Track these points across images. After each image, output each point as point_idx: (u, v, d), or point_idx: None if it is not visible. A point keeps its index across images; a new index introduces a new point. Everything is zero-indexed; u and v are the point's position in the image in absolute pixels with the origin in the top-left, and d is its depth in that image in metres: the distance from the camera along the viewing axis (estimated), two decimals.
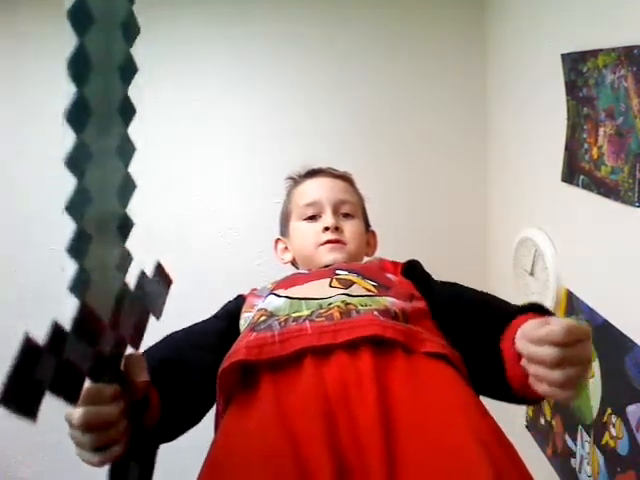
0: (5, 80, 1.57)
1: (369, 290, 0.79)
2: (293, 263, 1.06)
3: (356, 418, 0.59)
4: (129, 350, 0.57)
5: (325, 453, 0.55)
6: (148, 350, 0.72)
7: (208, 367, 0.73)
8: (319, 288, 0.80)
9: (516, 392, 0.66)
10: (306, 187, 1.05)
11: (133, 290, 0.56)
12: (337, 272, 0.85)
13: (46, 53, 1.49)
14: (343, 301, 0.74)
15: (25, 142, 1.58)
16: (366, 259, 1.04)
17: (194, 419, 0.77)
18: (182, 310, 1.55)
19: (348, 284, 0.80)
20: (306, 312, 0.74)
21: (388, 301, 0.76)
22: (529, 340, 0.59)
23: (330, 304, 0.74)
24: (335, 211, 0.99)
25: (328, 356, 0.66)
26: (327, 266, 0.93)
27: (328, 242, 0.96)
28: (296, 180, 1.09)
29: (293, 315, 0.74)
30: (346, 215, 1.01)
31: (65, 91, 0.43)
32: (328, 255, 0.95)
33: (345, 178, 1.08)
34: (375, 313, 0.71)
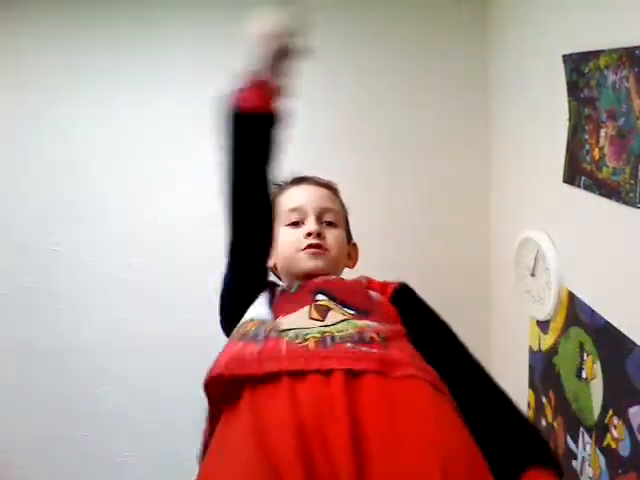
0: (4, 80, 1.58)
1: (344, 315, 0.81)
2: (274, 270, 1.05)
3: (329, 445, 0.60)
4: None
5: None
6: None
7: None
8: (299, 320, 0.81)
9: None
10: (291, 193, 1.06)
11: None
12: (317, 298, 0.86)
13: (45, 53, 1.51)
14: (319, 332, 0.76)
15: (25, 142, 1.58)
16: (353, 277, 1.03)
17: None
18: (184, 307, 1.57)
19: (325, 314, 0.81)
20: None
21: (365, 324, 0.77)
22: None
23: (307, 334, 0.75)
24: (318, 218, 1.00)
25: (303, 378, 0.68)
26: (308, 275, 0.94)
27: (309, 247, 0.96)
28: (281, 187, 1.09)
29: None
30: (329, 223, 1.02)
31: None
32: (309, 261, 0.96)
33: (330, 187, 1.08)
34: (348, 344, 0.72)
